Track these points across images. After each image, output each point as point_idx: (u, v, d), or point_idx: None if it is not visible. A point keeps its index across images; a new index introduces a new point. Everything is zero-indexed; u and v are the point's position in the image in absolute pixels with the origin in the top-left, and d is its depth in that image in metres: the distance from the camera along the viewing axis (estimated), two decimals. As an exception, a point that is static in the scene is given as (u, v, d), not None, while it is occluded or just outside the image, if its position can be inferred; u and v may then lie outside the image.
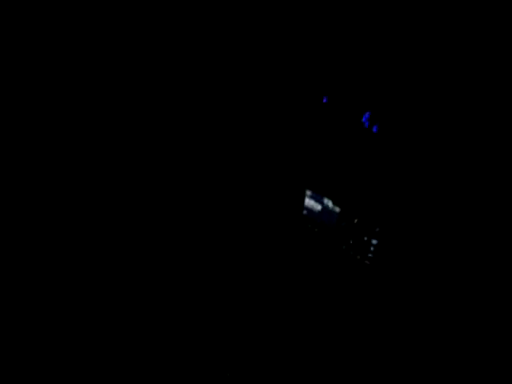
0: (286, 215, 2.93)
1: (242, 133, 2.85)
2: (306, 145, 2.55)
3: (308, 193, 2.66)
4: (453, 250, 2.00)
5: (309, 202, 2.69)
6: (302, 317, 2.70)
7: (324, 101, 2.53)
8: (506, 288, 1.93)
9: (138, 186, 2.84)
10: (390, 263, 2.28)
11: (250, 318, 2.74)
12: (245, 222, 3.14)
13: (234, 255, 3.13)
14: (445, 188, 1.97)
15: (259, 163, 2.88)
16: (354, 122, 2.35)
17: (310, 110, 2.47)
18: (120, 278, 2.66)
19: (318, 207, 2.62)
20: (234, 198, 3.12)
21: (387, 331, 2.42)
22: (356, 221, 2.37)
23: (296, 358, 2.54)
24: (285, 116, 2.60)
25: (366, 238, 2.36)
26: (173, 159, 3.07)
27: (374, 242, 2.31)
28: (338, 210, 2.48)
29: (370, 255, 2.38)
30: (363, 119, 2.36)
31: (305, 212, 2.76)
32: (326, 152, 2.46)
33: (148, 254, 3.12)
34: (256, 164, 2.90)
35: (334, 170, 2.44)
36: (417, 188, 2.03)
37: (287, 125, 2.61)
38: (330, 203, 2.52)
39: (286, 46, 2.37)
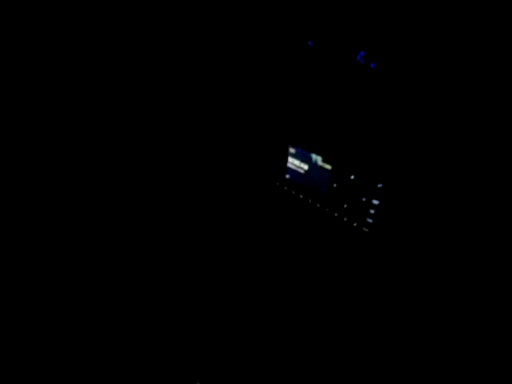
0: (262, 182, 2.43)
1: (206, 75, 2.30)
2: (285, 90, 2.07)
3: (291, 150, 2.18)
4: (480, 210, 1.61)
5: (292, 162, 2.21)
6: (290, 303, 2.22)
7: (309, 44, 2.06)
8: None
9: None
10: (397, 228, 1.85)
11: (229, 305, 2.22)
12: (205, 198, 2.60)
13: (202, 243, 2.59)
14: (463, 130, 1.56)
15: (223, 113, 2.35)
16: (345, 60, 1.89)
17: (289, 50, 1.98)
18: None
19: (304, 167, 2.15)
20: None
21: (391, 317, 1.99)
22: (353, 177, 1.92)
23: (284, 349, 2.06)
24: (257, 56, 2.09)
25: (364, 199, 1.92)
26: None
27: (376, 202, 1.87)
28: (329, 167, 2.02)
29: (369, 220, 1.94)
30: (358, 58, 1.92)
31: (288, 176, 2.27)
32: (311, 97, 1.99)
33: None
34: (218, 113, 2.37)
35: (321, 117, 1.98)
36: (432, 129, 1.61)
37: (259, 66, 2.10)
38: (319, 160, 2.05)
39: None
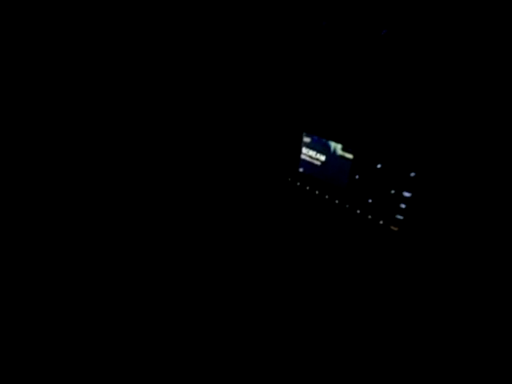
0: (271, 179, 2.17)
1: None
2: (297, 70, 1.84)
3: (306, 139, 1.93)
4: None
5: (307, 153, 1.95)
6: (306, 309, 1.91)
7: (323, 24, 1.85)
8: None
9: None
10: (432, 226, 1.56)
11: (238, 311, 1.91)
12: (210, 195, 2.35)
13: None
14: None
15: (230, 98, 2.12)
16: (365, 36, 1.66)
17: (301, 27, 1.77)
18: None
19: (321, 158, 1.89)
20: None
21: (422, 327, 1.68)
22: (379, 166, 1.65)
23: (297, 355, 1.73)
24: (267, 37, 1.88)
25: (393, 192, 1.64)
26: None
27: (407, 194, 1.59)
28: (350, 157, 1.76)
29: (398, 217, 1.66)
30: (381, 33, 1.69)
31: (301, 169, 2.02)
32: (327, 76, 1.75)
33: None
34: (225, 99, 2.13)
35: (341, 99, 1.73)
36: (476, 103, 1.35)
37: (268, 44, 1.88)
38: (338, 148, 1.79)
39: None
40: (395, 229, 1.69)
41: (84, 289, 2.06)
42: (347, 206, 1.85)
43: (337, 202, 1.89)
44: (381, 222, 1.73)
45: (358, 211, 1.81)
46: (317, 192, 1.98)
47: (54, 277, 2.12)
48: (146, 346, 1.78)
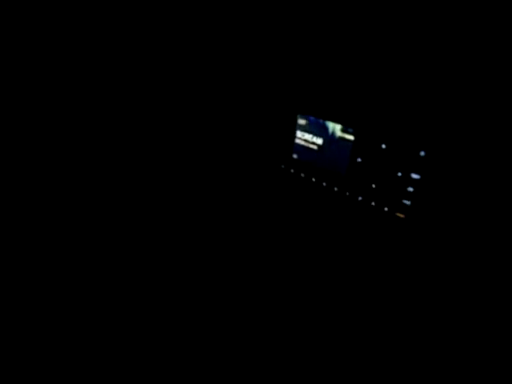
0: (262, 167, 1.98)
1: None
2: (288, 40, 1.66)
3: (301, 121, 1.76)
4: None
5: (302, 137, 1.78)
6: (303, 308, 1.72)
7: None
8: None
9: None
10: (444, 212, 1.42)
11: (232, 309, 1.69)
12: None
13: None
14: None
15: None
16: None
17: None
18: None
19: (318, 141, 1.72)
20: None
21: (430, 322, 1.53)
22: (384, 147, 1.50)
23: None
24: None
25: (400, 174, 1.49)
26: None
27: (416, 176, 1.45)
28: (350, 138, 1.60)
29: (405, 202, 1.51)
30: None
31: (295, 156, 1.84)
32: (323, 46, 1.59)
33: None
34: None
35: (339, 72, 1.57)
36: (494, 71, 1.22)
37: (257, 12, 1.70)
38: (337, 130, 1.63)
39: None
40: (401, 216, 1.54)
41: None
42: (347, 193, 1.69)
43: (336, 189, 1.73)
44: (385, 209, 1.58)
45: (360, 198, 1.65)
46: (313, 179, 1.80)
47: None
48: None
